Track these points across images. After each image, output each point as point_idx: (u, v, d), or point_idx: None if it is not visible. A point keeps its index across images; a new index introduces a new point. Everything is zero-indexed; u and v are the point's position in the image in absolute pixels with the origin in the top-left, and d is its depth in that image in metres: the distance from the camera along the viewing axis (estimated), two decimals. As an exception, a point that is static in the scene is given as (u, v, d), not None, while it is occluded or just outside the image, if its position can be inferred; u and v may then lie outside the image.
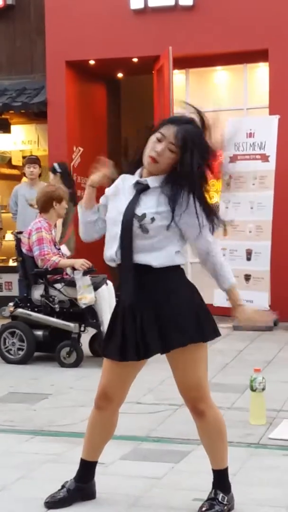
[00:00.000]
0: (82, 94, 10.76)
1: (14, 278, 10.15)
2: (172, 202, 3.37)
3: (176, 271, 3.50)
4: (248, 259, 9.08)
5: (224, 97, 10.31)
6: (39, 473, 4.26)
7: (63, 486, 3.77)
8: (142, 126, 3.85)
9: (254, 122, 9.41)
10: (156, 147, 3.37)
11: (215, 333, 3.55)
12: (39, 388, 6.26)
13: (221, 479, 3.60)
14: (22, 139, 11.28)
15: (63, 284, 7.24)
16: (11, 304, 7.54)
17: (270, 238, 8.91)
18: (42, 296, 7.28)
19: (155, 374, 5.65)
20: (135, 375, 3.66)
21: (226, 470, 3.62)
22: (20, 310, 7.39)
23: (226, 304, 9.91)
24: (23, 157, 10.77)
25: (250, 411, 5.14)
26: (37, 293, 7.35)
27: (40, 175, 10.11)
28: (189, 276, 10.06)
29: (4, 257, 10.99)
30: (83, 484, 3.75)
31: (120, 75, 11.39)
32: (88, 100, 10.96)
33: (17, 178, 10.88)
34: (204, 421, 3.53)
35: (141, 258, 3.41)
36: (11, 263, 10.69)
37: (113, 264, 3.51)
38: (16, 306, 7.47)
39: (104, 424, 3.71)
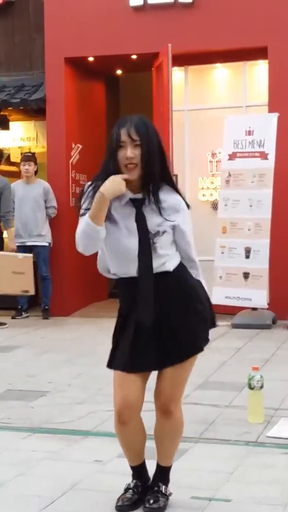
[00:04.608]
0: (81, 91, 10.74)
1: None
2: (172, 209, 3.51)
3: (183, 267, 3.60)
4: (247, 257, 9.06)
5: (223, 95, 10.30)
6: (37, 470, 4.26)
7: (128, 489, 3.74)
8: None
9: (253, 119, 9.40)
10: (127, 154, 3.42)
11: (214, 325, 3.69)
12: (36, 386, 6.26)
13: (166, 474, 3.73)
14: (21, 135, 11.27)
15: None
16: None
17: (268, 236, 8.90)
18: None
19: (152, 373, 5.63)
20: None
21: (171, 466, 3.75)
22: None
23: (224, 302, 9.97)
24: (22, 154, 10.76)
25: (248, 409, 5.14)
26: None
27: (36, 172, 10.09)
28: (188, 273, 10.09)
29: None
30: (144, 483, 3.75)
31: (119, 72, 11.37)
32: (87, 97, 10.94)
33: (15, 175, 10.85)
34: (170, 421, 3.62)
35: (161, 268, 3.49)
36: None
37: (112, 276, 3.61)
38: None
39: (136, 432, 3.66)
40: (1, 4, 11.06)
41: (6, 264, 8.90)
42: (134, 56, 10.23)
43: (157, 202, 3.47)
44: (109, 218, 3.46)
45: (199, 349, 3.59)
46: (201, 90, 10.34)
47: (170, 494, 3.71)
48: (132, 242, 3.46)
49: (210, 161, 10.27)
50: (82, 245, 3.44)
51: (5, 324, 9.37)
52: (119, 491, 3.83)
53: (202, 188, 10.29)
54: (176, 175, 9.89)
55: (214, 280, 9.16)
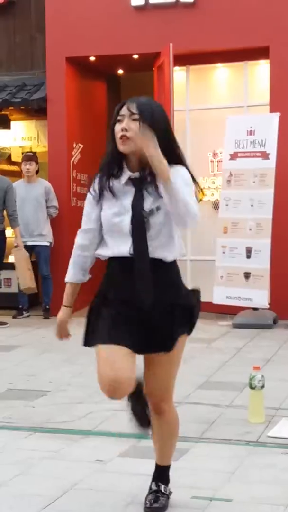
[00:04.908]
0: (82, 91, 10.73)
1: (13, 274, 10.13)
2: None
3: (176, 263, 3.52)
4: (248, 257, 9.06)
5: (224, 95, 10.29)
6: (38, 470, 4.25)
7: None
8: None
9: (255, 119, 9.39)
10: (122, 125, 3.35)
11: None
12: (37, 385, 6.25)
13: (164, 474, 3.71)
14: (22, 135, 11.26)
15: None
16: None
17: (270, 236, 8.90)
18: None
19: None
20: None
21: (170, 465, 3.74)
22: None
23: (225, 302, 9.95)
24: (23, 153, 10.76)
25: (249, 409, 5.14)
26: None
27: (37, 172, 10.09)
28: (188, 273, 10.11)
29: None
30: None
31: (120, 71, 11.36)
32: (88, 96, 10.93)
33: (16, 175, 10.85)
34: (163, 420, 3.62)
35: (156, 253, 3.39)
36: (10, 259, 10.65)
37: (104, 257, 3.49)
38: None
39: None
40: (3, 4, 11.06)
41: (25, 260, 9.29)
42: (135, 56, 10.23)
43: (153, 182, 3.36)
44: (106, 195, 3.42)
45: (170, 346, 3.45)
46: (203, 90, 10.33)
47: (170, 493, 3.70)
48: (125, 219, 3.37)
49: (211, 161, 10.26)
50: None
51: (6, 323, 9.37)
52: (120, 490, 3.83)
53: (203, 188, 10.28)
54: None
55: (215, 280, 9.16)
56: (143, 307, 3.37)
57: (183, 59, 9.82)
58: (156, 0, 9.88)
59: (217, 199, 9.90)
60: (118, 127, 3.37)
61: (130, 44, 9.96)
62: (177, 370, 3.59)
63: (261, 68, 10.02)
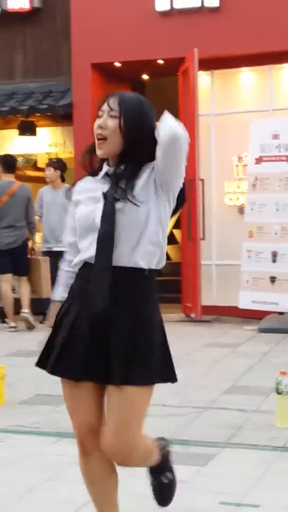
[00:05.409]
0: (108, 96, 10.79)
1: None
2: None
3: (153, 278, 3.07)
4: (274, 261, 9.05)
5: (249, 99, 10.29)
6: (66, 475, 4.28)
7: None
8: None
9: (280, 123, 9.39)
10: (99, 122, 3.03)
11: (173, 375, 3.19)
12: (65, 390, 6.27)
13: (158, 471, 3.48)
14: (48, 141, 11.33)
15: None
16: None
17: (295, 240, 8.89)
18: None
19: (179, 377, 5.64)
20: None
21: (160, 464, 3.42)
22: None
23: (251, 306, 9.90)
24: (49, 160, 10.83)
25: (276, 414, 5.13)
26: None
27: (63, 178, 10.05)
28: (214, 278, 10.11)
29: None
30: None
31: (145, 77, 11.41)
32: (113, 102, 10.99)
33: (42, 181, 10.91)
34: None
35: (128, 259, 2.97)
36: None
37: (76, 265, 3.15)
38: None
39: (103, 463, 3.18)
40: (29, 11, 11.13)
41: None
42: (160, 61, 10.27)
43: (131, 176, 2.98)
44: (81, 198, 3.11)
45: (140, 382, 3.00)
46: (227, 94, 10.34)
47: (172, 470, 3.47)
48: (97, 208, 3.00)
49: (236, 165, 10.26)
50: None
51: (33, 327, 9.45)
52: (149, 494, 3.83)
53: (229, 192, 10.29)
54: (203, 180, 9.90)
55: (240, 285, 9.15)
56: (96, 309, 2.96)
57: (207, 64, 9.84)
58: (180, 5, 9.91)
59: (243, 204, 9.90)
60: (96, 123, 3.05)
61: (155, 49, 10.00)
62: (138, 420, 3.03)
63: (286, 72, 10.01)
